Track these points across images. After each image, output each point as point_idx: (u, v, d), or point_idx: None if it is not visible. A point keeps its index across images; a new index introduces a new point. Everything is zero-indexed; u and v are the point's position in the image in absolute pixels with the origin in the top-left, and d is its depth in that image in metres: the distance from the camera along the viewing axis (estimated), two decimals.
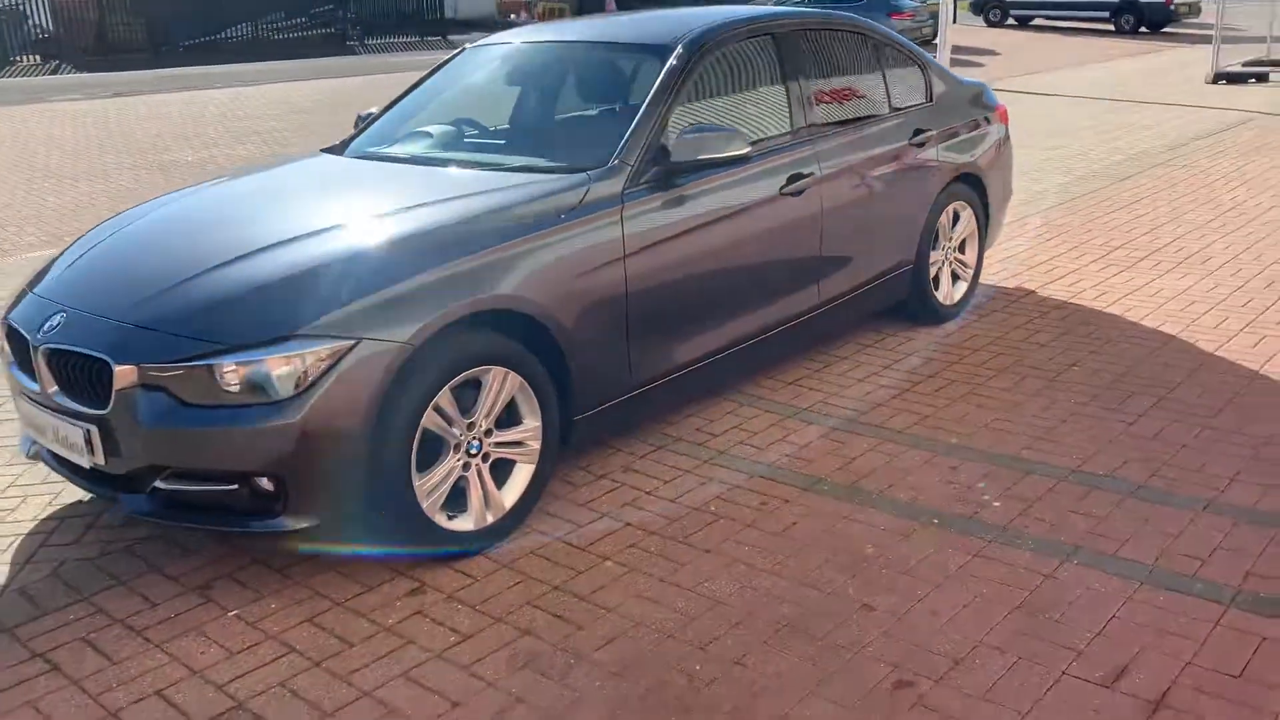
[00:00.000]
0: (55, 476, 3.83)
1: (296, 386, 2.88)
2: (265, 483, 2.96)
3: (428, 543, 3.16)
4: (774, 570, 3.12)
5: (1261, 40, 16.43)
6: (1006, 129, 5.60)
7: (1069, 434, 3.92)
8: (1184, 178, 8.38)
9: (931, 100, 5.14)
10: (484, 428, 3.26)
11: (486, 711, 2.56)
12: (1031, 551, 3.15)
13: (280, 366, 2.87)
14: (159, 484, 3.03)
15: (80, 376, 3.07)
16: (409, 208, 3.45)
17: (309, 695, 2.65)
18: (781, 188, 4.15)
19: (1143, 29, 28.31)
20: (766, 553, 3.21)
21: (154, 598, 3.11)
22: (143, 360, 2.95)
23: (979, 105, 5.43)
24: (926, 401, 4.29)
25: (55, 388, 3.15)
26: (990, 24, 30.64)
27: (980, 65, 19.00)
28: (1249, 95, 13.24)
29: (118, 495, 3.13)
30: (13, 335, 3.37)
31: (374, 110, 4.84)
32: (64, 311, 3.20)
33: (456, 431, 3.18)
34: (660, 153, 3.75)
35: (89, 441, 3.04)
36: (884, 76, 4.91)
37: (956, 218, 5.22)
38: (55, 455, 3.29)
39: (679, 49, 4.05)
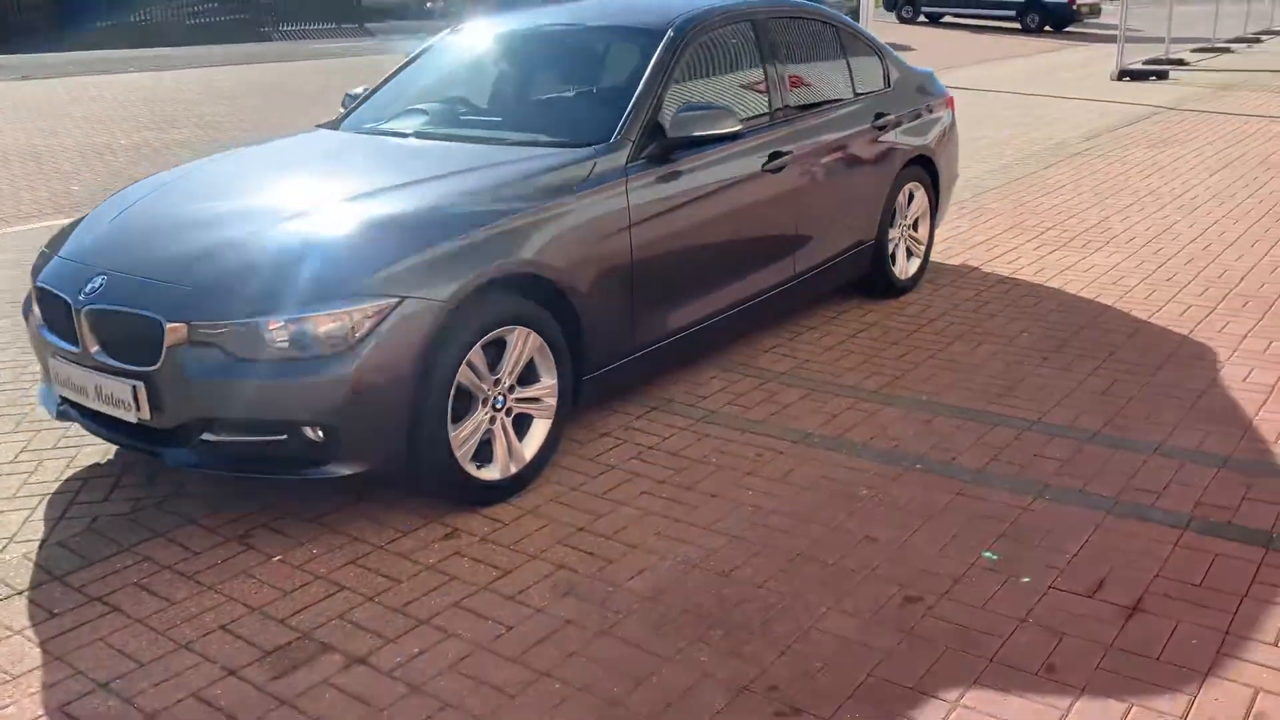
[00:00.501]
0: (68, 440, 3.95)
1: (347, 341, 3.07)
2: (314, 432, 3.14)
3: (461, 489, 3.38)
4: (779, 510, 3.41)
5: (1160, 40, 17.33)
6: (953, 115, 5.99)
7: (1027, 391, 4.30)
8: (1101, 166, 8.93)
9: (889, 87, 5.49)
10: (507, 384, 3.48)
11: (540, 632, 2.80)
12: (1008, 490, 3.49)
13: (331, 323, 3.06)
14: (206, 436, 3.18)
15: (126, 335, 3.21)
16: (436, 177, 3.67)
17: (370, 625, 2.85)
18: (764, 164, 4.45)
19: (1047, 28, 29.44)
20: (770, 495, 3.50)
21: (195, 547, 3.26)
22: (194, 318, 3.10)
23: (929, 93, 5.80)
24: (894, 365, 4.63)
25: (97, 347, 3.27)
26: (902, 20, 31.55)
27: None
28: (1152, 91, 14.02)
29: (160, 450, 3.27)
30: (45, 298, 3.47)
31: (360, 90, 5.01)
32: (104, 274, 3.32)
33: (485, 387, 3.40)
34: (657, 129, 4.01)
35: (136, 397, 3.18)
36: (848, 64, 5.24)
37: (911, 197, 5.59)
38: (91, 414, 3.41)
39: (670, 32, 4.31)
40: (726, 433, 4.00)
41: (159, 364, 3.13)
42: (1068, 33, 29.16)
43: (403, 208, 3.45)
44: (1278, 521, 3.23)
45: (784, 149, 4.56)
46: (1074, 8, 29.20)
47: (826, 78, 5.11)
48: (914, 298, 5.58)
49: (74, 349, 3.33)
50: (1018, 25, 29.94)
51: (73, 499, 3.58)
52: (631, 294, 3.88)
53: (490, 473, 3.45)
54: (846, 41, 5.30)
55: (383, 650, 2.74)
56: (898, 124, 5.38)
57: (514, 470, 3.52)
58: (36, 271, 3.61)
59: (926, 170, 5.65)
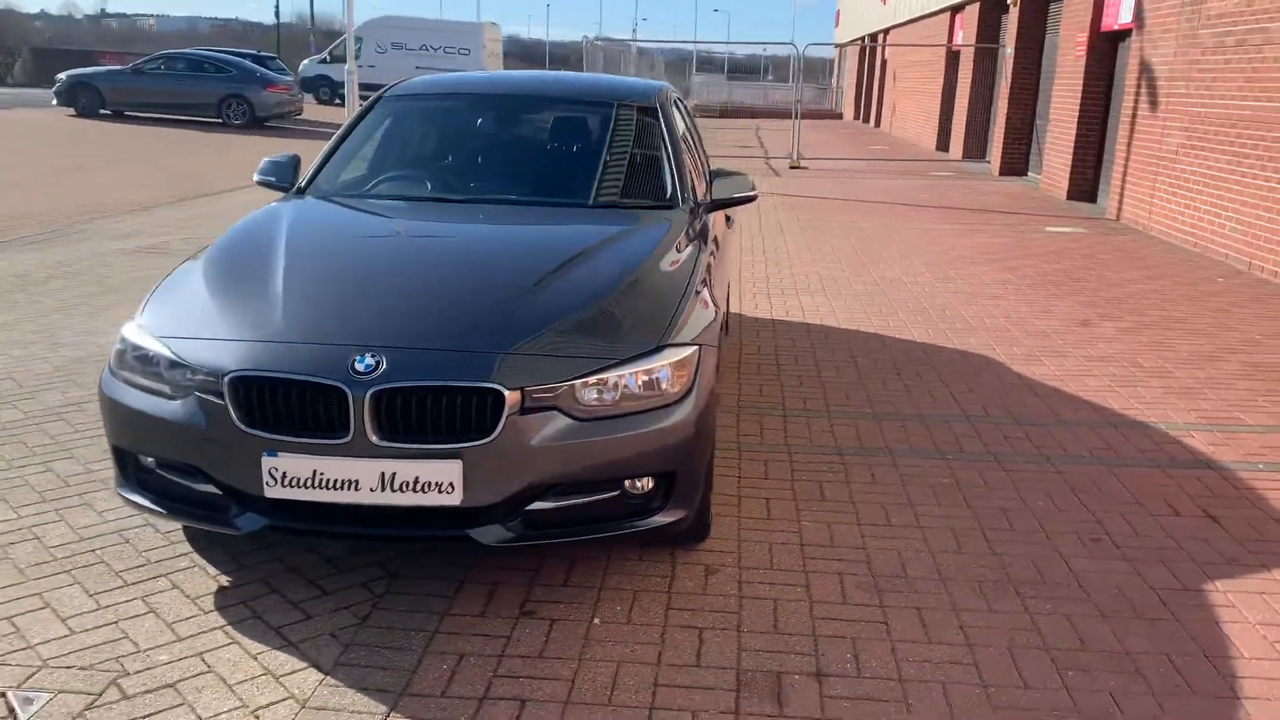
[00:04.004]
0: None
1: (682, 389, 3.17)
2: (642, 484, 3.16)
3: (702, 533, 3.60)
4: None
5: None
6: None
7: (889, 395, 5.40)
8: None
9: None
10: None
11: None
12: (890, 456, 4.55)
13: (667, 372, 3.15)
14: (537, 505, 3.03)
15: (433, 413, 2.93)
16: (620, 237, 3.80)
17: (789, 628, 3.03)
18: (727, 218, 5.09)
19: None
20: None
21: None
22: (527, 383, 2.97)
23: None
24: (775, 388, 5.48)
25: (382, 432, 2.93)
26: (320, 101, 31.86)
27: None
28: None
29: (466, 531, 3.02)
30: (265, 389, 2.96)
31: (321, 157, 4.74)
32: (371, 352, 2.97)
33: None
34: (706, 191, 4.50)
35: (455, 478, 2.92)
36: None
37: None
38: (329, 514, 3.01)
39: (657, 104, 4.78)
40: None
41: (494, 436, 2.93)
42: None
43: (638, 268, 3.57)
44: None
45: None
46: None
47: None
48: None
49: (338, 440, 2.92)
50: None
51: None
52: None
53: None
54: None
55: None
56: None
57: None
58: (238, 369, 3.00)
59: None
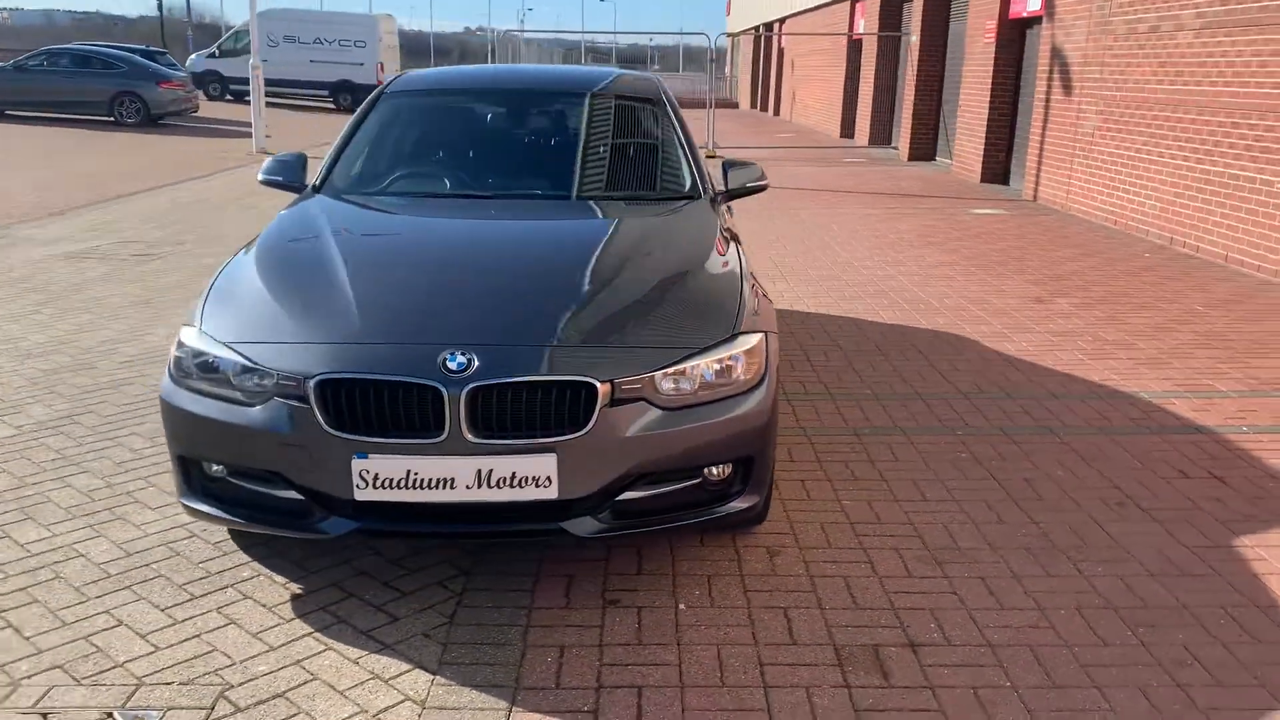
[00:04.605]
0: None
1: (757, 375, 3.24)
2: (719, 470, 3.22)
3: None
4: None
5: None
6: None
7: (881, 376, 5.59)
8: None
9: None
10: None
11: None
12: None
13: (744, 359, 3.21)
14: (627, 495, 3.07)
15: (528, 408, 2.94)
16: (667, 229, 3.85)
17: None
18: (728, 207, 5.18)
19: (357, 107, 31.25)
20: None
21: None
22: (620, 375, 3.00)
23: None
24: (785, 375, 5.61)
25: (476, 429, 2.93)
26: (210, 98, 30.86)
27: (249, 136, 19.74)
28: None
29: (559, 525, 3.04)
30: (352, 391, 2.93)
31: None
32: (460, 350, 2.96)
33: None
34: (721, 180, 4.59)
35: (552, 471, 2.95)
36: None
37: None
38: (426, 515, 3.01)
39: (662, 96, 4.84)
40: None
41: (588, 429, 2.96)
42: None
43: (682, 257, 3.64)
44: None
45: None
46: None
47: None
48: None
49: (433, 439, 2.91)
50: (332, 104, 31.30)
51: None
52: None
53: None
54: None
55: None
56: None
57: None
58: (321, 373, 2.95)
59: None
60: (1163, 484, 4.18)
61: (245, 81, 30.22)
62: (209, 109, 27.59)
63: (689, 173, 4.56)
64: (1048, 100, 12.61)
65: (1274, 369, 5.81)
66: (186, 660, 2.88)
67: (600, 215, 4.23)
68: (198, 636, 3.00)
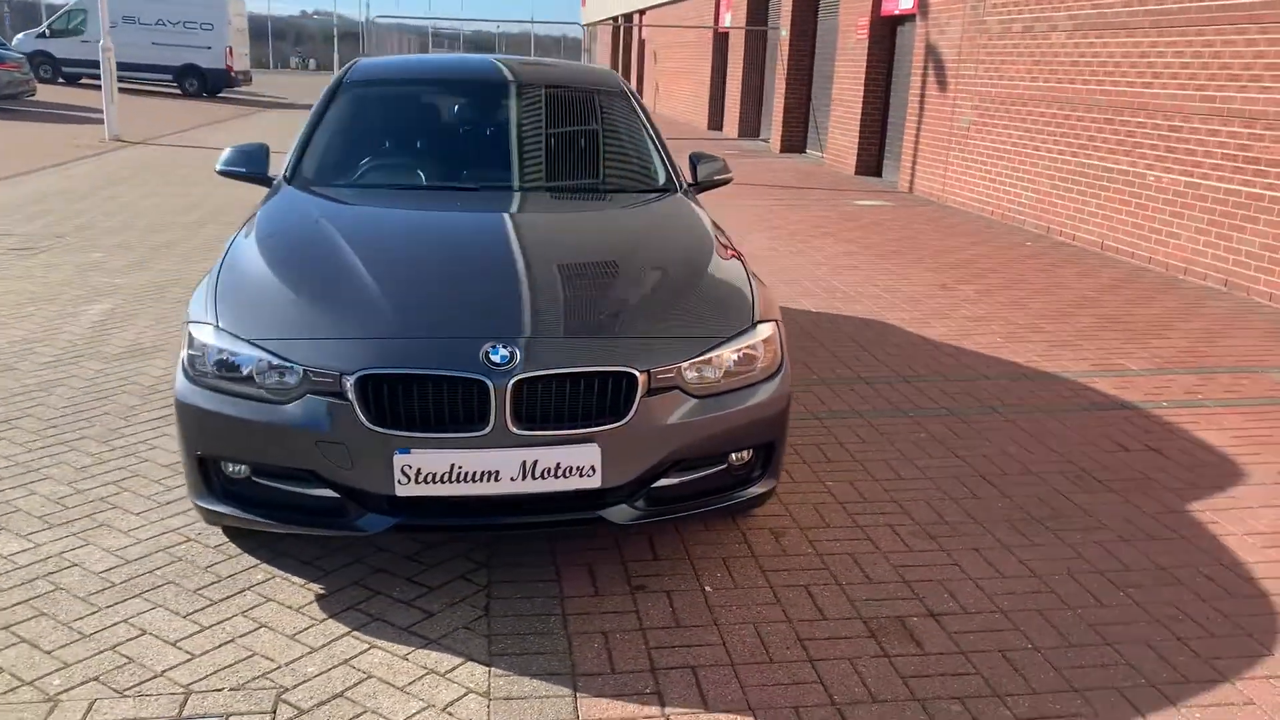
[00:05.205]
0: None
1: (775, 362, 3.36)
2: (741, 456, 3.33)
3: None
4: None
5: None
6: None
7: (822, 362, 5.83)
8: None
9: None
10: None
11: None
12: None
13: (764, 347, 3.33)
14: (662, 482, 3.14)
15: (571, 398, 2.98)
16: (664, 222, 3.92)
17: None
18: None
19: (204, 93, 29.99)
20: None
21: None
22: (655, 365, 3.07)
23: None
24: None
25: (520, 421, 2.95)
26: (41, 80, 29.00)
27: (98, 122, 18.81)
28: None
29: (598, 514, 3.09)
30: (397, 386, 2.91)
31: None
32: (501, 340, 2.97)
33: None
34: (690, 173, 4.69)
35: (595, 460, 2.99)
36: None
37: None
38: (466, 508, 3.02)
39: (622, 89, 4.90)
40: None
41: (629, 418, 3.01)
42: (222, 97, 30.12)
43: (691, 250, 3.72)
44: None
45: None
46: (233, 74, 30.23)
47: None
48: None
49: (478, 432, 2.92)
50: (177, 89, 29.96)
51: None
52: None
53: None
54: None
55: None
56: None
57: None
58: (361, 369, 2.91)
59: None
60: (1108, 456, 4.50)
61: (79, 64, 28.80)
62: (44, 92, 25.95)
63: (662, 165, 4.64)
64: (923, 95, 13.17)
65: (1171, 348, 6.30)
66: (229, 665, 2.80)
67: (596, 208, 4.24)
68: (232, 641, 2.92)
